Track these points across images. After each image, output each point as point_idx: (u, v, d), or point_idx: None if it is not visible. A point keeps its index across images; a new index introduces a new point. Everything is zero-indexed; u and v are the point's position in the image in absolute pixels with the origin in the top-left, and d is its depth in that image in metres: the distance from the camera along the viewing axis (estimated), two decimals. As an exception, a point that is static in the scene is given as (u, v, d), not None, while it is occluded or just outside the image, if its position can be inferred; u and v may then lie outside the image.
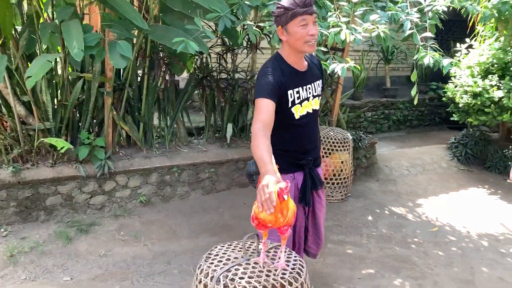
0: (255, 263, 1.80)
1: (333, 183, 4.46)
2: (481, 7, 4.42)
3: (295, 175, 2.24)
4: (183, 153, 4.30)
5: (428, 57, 3.16)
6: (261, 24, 3.23)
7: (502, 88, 4.95)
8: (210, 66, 4.74)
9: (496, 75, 5.07)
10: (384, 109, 7.87)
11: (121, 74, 4.05)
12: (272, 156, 1.83)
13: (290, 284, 1.69)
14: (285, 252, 1.87)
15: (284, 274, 1.73)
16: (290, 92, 2.11)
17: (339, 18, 3.26)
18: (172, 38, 2.86)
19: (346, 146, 4.43)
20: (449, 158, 6.05)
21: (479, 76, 5.24)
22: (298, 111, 2.16)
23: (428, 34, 3.38)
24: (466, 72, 5.41)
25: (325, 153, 4.39)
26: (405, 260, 3.39)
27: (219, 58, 4.73)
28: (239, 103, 4.76)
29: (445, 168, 5.84)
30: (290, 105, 2.12)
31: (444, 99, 6.04)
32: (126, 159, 3.97)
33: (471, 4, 3.67)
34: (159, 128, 4.43)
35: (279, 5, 2.00)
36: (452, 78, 5.66)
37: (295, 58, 2.12)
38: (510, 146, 5.80)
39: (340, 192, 4.50)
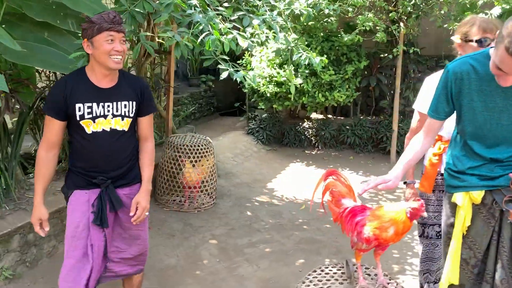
0: (363, 287, 1.77)
1: (205, 190, 4.37)
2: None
3: (90, 192, 2.19)
4: (38, 200, 3.35)
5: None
6: (162, 34, 2.85)
7: (300, 76, 5.85)
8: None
9: (292, 65, 5.93)
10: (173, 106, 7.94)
11: None
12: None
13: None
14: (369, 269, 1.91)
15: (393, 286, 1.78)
16: (78, 105, 2.10)
17: (223, 24, 3.22)
18: (41, 57, 2.32)
19: (210, 150, 4.40)
20: (254, 142, 6.73)
21: (278, 67, 6.01)
22: (90, 127, 2.13)
23: (293, 35, 3.73)
24: (263, 64, 6.11)
25: (196, 161, 4.25)
26: (322, 241, 3.76)
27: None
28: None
29: (257, 151, 6.50)
30: (78, 118, 2.11)
31: (246, 90, 6.63)
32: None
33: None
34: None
35: (87, 19, 2.05)
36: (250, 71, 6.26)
37: (99, 73, 2.13)
38: (300, 123, 6.92)
39: (211, 197, 4.47)
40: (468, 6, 5.12)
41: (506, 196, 1.73)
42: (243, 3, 3.72)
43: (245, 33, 3.30)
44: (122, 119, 2.19)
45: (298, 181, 5.32)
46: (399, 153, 6.00)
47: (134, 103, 2.22)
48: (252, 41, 3.34)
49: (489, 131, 1.76)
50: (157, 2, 2.82)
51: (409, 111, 6.49)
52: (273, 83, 5.96)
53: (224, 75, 3.10)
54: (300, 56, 3.57)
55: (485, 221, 1.80)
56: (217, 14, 3.23)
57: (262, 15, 3.56)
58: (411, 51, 5.54)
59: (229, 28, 3.13)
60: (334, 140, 6.59)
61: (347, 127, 6.51)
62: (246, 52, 6.61)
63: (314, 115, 7.25)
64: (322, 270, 1.92)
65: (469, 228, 1.83)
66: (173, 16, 2.95)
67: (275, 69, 5.99)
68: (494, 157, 1.76)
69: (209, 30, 2.96)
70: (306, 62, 3.55)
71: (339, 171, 2.04)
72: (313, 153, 6.51)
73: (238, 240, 3.78)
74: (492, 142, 1.77)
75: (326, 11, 4.75)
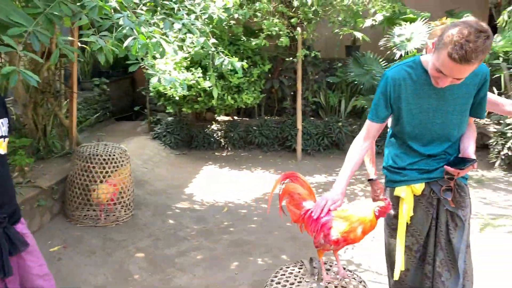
0: (328, 282, 1.87)
1: (123, 201, 4.15)
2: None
3: None
4: None
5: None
6: (85, 39, 2.64)
7: (208, 79, 5.84)
8: None
9: (200, 68, 5.90)
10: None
11: None
12: None
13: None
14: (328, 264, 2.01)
15: (354, 278, 1.91)
16: None
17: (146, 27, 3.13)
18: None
19: (126, 159, 4.18)
20: (162, 147, 6.56)
21: (185, 70, 5.93)
22: None
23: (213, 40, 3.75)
24: (169, 67, 5.98)
25: (112, 172, 4.01)
26: (251, 242, 3.81)
27: None
28: None
29: (166, 156, 6.35)
30: None
31: (152, 94, 6.41)
32: None
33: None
34: None
35: None
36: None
37: None
38: (208, 126, 6.91)
39: (128, 208, 4.25)
40: (361, 13, 5.61)
41: (443, 186, 1.97)
42: (160, 7, 3.61)
43: (167, 37, 3.22)
44: (4, 140, 1.88)
45: (215, 183, 5.33)
46: (304, 150, 6.35)
47: (5, 120, 1.91)
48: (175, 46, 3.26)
49: (425, 130, 1.97)
50: (78, 4, 2.61)
51: (309, 111, 6.90)
52: (181, 86, 5.86)
53: (154, 80, 2.99)
54: (223, 61, 3.58)
55: (424, 210, 2.02)
56: (136, 17, 3.10)
57: (180, 19, 3.50)
58: (312, 54, 5.89)
59: (150, 32, 3.02)
60: (243, 141, 6.72)
61: (254, 127, 6.68)
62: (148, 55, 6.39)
63: (220, 117, 7.30)
64: (285, 271, 1.98)
65: (411, 218, 2.03)
66: (94, 19, 2.75)
67: (182, 72, 5.90)
68: (430, 153, 1.99)
69: (131, 34, 2.83)
70: (229, 67, 3.57)
71: (297, 173, 2.10)
72: (224, 154, 6.56)
73: (166, 250, 3.66)
74: (428, 140, 1.99)
75: (236, 15, 4.83)
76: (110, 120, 8.88)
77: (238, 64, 3.68)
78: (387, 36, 7.02)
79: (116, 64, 9.23)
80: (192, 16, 3.73)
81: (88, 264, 3.39)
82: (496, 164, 5.75)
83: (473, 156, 1.94)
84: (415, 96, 1.94)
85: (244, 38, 6.25)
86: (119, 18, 2.66)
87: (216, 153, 6.59)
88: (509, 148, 5.51)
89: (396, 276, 2.04)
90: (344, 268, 1.98)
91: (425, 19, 6.60)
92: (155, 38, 3.02)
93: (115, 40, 2.87)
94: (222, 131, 6.83)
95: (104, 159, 4.00)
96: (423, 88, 1.92)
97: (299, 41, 6.06)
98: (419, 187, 1.99)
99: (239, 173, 5.76)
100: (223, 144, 6.75)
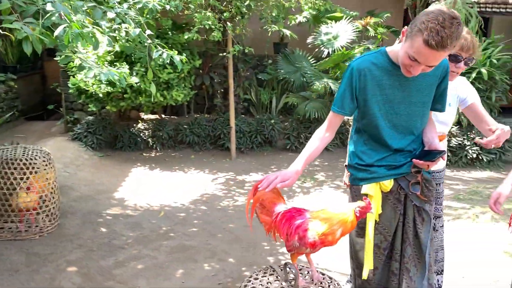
0: (304, 287, 1.76)
1: (47, 210, 3.70)
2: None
3: None
4: None
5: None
6: (7, 25, 2.26)
7: (136, 74, 5.48)
8: None
9: (124, 62, 5.51)
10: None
11: None
12: None
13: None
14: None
15: (329, 281, 1.83)
16: None
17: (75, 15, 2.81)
18: None
19: (50, 163, 3.74)
20: (83, 149, 6.06)
21: (108, 65, 5.50)
22: None
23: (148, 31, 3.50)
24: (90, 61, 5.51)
25: (33, 177, 3.55)
26: (193, 246, 3.59)
27: None
28: None
29: (89, 159, 5.87)
30: None
31: (71, 91, 5.86)
32: None
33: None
34: None
35: None
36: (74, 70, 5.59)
37: None
38: (134, 125, 6.50)
39: (53, 218, 3.81)
40: (293, 10, 5.62)
41: (412, 180, 1.95)
42: (89, -7, 3.27)
43: (100, 27, 2.91)
44: None
45: (146, 186, 5.01)
46: (238, 148, 6.24)
47: None
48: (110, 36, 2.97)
49: (390, 121, 1.94)
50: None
51: (241, 108, 6.81)
52: (105, 82, 5.43)
53: (90, 74, 2.68)
54: (161, 54, 3.33)
55: (392, 207, 1.99)
56: (65, 4, 2.75)
57: (112, 7, 3.19)
58: (246, 50, 5.78)
59: (81, 21, 2.70)
60: (172, 140, 6.43)
61: (185, 126, 6.42)
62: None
63: (146, 116, 6.93)
64: (256, 279, 1.84)
65: (379, 215, 2.00)
66: (15, 3, 2.38)
67: (106, 67, 5.46)
68: (397, 147, 1.96)
69: (61, 22, 2.49)
70: (168, 61, 3.34)
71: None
72: (152, 155, 6.22)
73: (101, 261, 3.33)
74: (393, 133, 1.95)
75: (168, 7, 4.57)
76: (19, 120, 8.05)
77: (177, 58, 3.46)
78: (314, 34, 7.15)
79: (23, 58, 8.40)
80: (125, 5, 3.44)
81: (11, 284, 2.96)
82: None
83: (441, 148, 1.94)
84: (380, 87, 1.90)
85: (172, 32, 5.97)
86: (45, 3, 2.31)
87: (144, 154, 6.23)
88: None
89: (365, 275, 2.00)
90: (318, 271, 1.89)
91: (351, 18, 6.81)
92: (88, 27, 2.72)
93: (42, 28, 2.52)
94: (149, 130, 6.48)
95: (25, 164, 3.54)
96: (388, 79, 1.89)
97: (229, 36, 5.93)
98: (388, 184, 1.96)
99: (171, 174, 5.48)
100: (151, 144, 6.40)
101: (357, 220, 1.69)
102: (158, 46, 3.42)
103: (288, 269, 1.81)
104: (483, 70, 5.74)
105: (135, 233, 3.82)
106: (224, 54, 6.02)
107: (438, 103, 2.02)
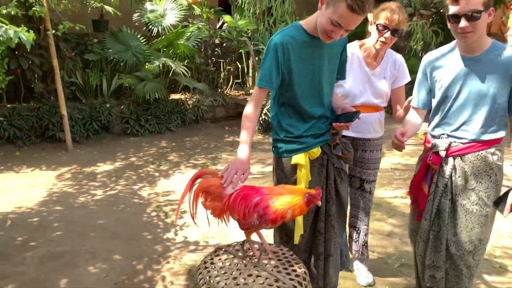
0: (267, 259, 1.80)
1: None
2: None
3: None
4: None
5: None
6: None
7: None
8: None
9: None
10: None
11: None
12: None
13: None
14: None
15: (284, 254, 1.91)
16: None
17: None
18: None
19: None
20: None
21: None
22: None
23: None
24: None
25: None
26: (68, 252, 3.13)
27: None
28: None
29: None
30: None
31: None
32: None
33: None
34: None
35: None
36: None
37: None
38: None
39: None
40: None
41: (332, 143, 2.14)
42: None
43: None
44: None
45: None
46: (73, 139, 5.62)
47: None
48: None
49: (313, 90, 2.07)
50: None
51: (68, 93, 6.10)
52: None
53: None
54: (5, 31, 2.76)
55: (318, 172, 2.15)
56: None
57: None
58: (77, 28, 5.16)
59: None
60: (-14, 137, 5.37)
61: (1, 118, 5.42)
62: None
63: None
64: (212, 263, 1.76)
65: (309, 182, 2.14)
66: None
67: None
68: (321, 114, 2.11)
69: None
70: (16, 40, 2.80)
71: (207, 170, 1.87)
72: (-37, 157, 5.08)
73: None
74: (315, 101, 2.09)
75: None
76: None
77: (25, 36, 2.94)
78: (139, 11, 6.84)
79: None
80: None
81: None
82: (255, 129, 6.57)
83: (354, 109, 2.16)
84: (301, 58, 2.01)
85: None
86: None
87: (-50, 157, 5.05)
88: (265, 114, 6.38)
89: (297, 241, 2.13)
90: (270, 244, 1.94)
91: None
92: None
93: None
94: (-48, 127, 5.26)
95: None
96: (307, 50, 2.02)
97: (47, 15, 5.19)
98: (316, 151, 2.11)
99: (-1, 177, 4.61)
100: (-43, 143, 5.22)
101: (307, 207, 1.72)
102: (-2, 20, 2.83)
103: (247, 246, 1.81)
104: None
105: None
106: (48, 32, 5.24)
107: (341, 71, 2.22)
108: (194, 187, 1.82)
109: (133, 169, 4.95)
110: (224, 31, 7.13)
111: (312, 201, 1.69)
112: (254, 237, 1.86)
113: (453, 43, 2.09)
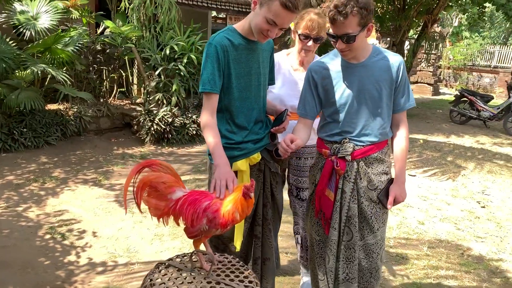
0: (216, 270, 1.73)
1: None
2: None
3: None
4: None
5: None
6: None
7: None
8: None
9: None
10: None
11: None
12: None
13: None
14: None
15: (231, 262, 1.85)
16: None
17: None
18: None
19: None
20: None
21: None
22: None
23: None
24: None
25: None
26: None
27: None
28: None
29: None
30: None
31: None
32: None
33: None
34: None
35: None
36: None
37: None
38: None
39: None
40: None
41: (272, 148, 2.14)
42: None
43: None
44: None
45: None
46: None
47: None
48: None
49: (249, 93, 2.05)
50: None
51: None
52: None
53: None
54: None
55: (255, 177, 2.13)
56: None
57: None
58: None
59: None
60: None
61: None
62: None
63: None
64: (157, 278, 1.61)
65: (246, 187, 2.11)
66: None
67: None
68: (255, 119, 2.10)
69: None
70: None
71: (158, 160, 1.69)
72: None
73: None
74: (251, 104, 2.06)
75: None
76: None
77: None
78: (6, 12, 6.10)
79: None
80: None
81: None
82: (147, 140, 6.29)
83: (283, 108, 2.18)
84: (238, 61, 2.01)
85: None
86: None
87: None
88: (157, 124, 6.15)
89: (238, 247, 2.10)
90: (215, 253, 1.87)
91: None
92: None
93: None
94: None
95: None
96: (243, 53, 2.02)
97: None
98: (257, 156, 2.09)
99: None
100: None
101: (246, 200, 1.68)
102: None
103: (194, 256, 1.71)
104: (193, 56, 6.43)
105: None
106: None
107: (270, 76, 2.24)
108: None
109: (13, 188, 4.35)
110: (107, 37, 6.71)
111: (247, 194, 1.65)
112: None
113: (335, 50, 2.04)
